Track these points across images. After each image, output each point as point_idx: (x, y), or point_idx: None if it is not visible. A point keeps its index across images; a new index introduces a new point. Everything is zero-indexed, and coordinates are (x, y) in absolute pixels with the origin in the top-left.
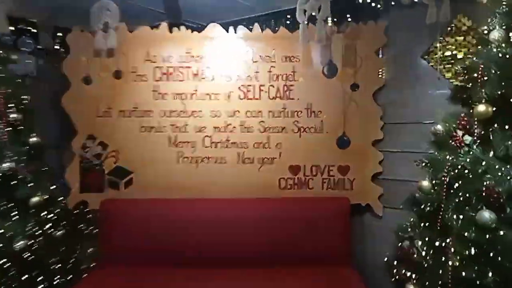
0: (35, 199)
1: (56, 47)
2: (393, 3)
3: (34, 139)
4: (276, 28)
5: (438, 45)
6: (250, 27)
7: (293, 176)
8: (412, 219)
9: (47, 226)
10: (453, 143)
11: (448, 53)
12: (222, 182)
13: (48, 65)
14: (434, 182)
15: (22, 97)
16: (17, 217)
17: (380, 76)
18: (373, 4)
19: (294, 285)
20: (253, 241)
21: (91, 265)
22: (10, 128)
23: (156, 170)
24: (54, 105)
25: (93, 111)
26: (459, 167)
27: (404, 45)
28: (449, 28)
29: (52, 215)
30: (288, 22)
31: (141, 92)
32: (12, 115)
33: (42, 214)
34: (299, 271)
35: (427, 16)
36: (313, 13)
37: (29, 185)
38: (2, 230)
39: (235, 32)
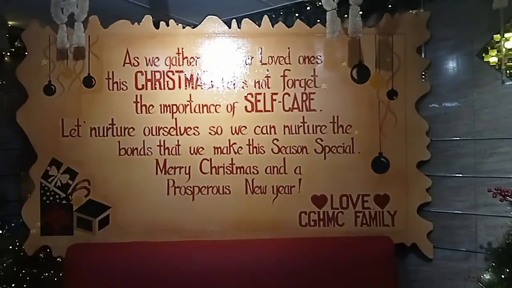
0: None
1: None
2: None
3: None
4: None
5: (500, 39)
6: (257, 22)
7: (318, 209)
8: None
9: None
10: None
11: None
12: (225, 219)
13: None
14: None
15: None
16: None
17: (423, 80)
18: None
19: None
20: None
21: None
22: None
23: (139, 205)
24: (9, 121)
25: (56, 128)
26: None
27: (454, 40)
28: None
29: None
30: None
31: (120, 103)
32: None
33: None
34: None
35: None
36: None
37: None
38: None
39: (239, 27)
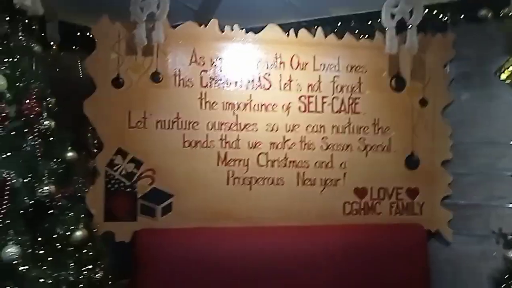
0: (78, 234)
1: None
2: (461, 16)
3: (71, 153)
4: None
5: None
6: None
7: (359, 200)
8: None
9: (87, 268)
10: None
11: None
12: (278, 208)
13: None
14: None
15: (48, 99)
16: (51, 258)
17: (448, 92)
18: (440, 16)
19: None
20: (317, 276)
21: None
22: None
23: (201, 194)
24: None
25: (123, 120)
26: None
27: (475, 60)
28: None
29: (91, 253)
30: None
31: (185, 99)
32: (45, 122)
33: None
34: None
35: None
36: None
37: (69, 215)
38: (43, 279)
39: (296, 36)
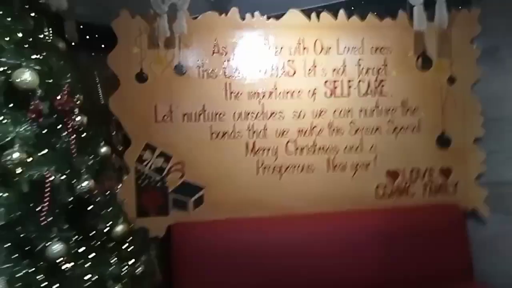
0: (119, 229)
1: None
2: None
3: (104, 149)
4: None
5: None
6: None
7: (392, 182)
8: None
9: (130, 263)
10: None
11: None
12: (309, 195)
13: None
14: None
15: (77, 95)
16: (93, 255)
17: (477, 67)
18: None
19: None
20: (353, 261)
21: None
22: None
23: (231, 184)
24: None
25: (150, 114)
26: None
27: (502, 33)
28: None
29: (132, 247)
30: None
31: (210, 90)
32: (77, 118)
33: (123, 248)
34: None
35: None
36: None
37: (108, 210)
38: (89, 275)
39: (318, 20)
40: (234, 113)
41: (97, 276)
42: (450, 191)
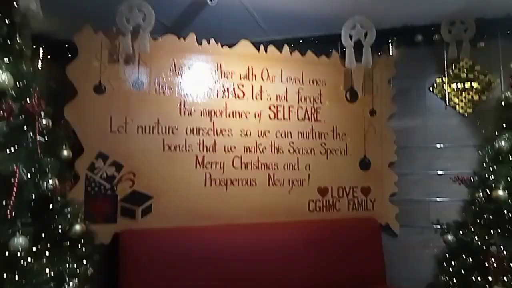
0: (77, 228)
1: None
2: (403, 41)
3: (66, 152)
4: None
5: (444, 78)
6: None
7: (322, 198)
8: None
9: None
10: None
11: (454, 86)
12: (252, 206)
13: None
14: None
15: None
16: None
17: (392, 103)
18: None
19: None
20: (291, 265)
21: None
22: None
23: (180, 195)
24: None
25: (104, 124)
26: None
27: (413, 78)
28: (453, 65)
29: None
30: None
31: (165, 106)
32: (44, 121)
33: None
34: None
35: (448, 52)
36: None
37: (68, 209)
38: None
39: (266, 52)
40: (187, 128)
41: (52, 273)
42: (369, 207)
